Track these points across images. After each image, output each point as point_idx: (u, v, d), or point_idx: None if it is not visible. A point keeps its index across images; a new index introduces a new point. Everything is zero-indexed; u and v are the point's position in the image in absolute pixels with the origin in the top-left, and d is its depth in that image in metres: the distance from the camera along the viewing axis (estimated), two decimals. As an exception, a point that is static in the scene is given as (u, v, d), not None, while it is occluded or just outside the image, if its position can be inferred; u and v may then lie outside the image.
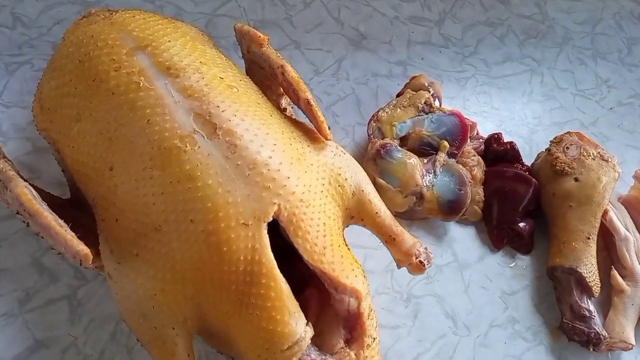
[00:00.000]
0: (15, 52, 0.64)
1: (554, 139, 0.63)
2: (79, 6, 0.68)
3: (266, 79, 0.54)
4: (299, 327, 0.41)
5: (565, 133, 0.63)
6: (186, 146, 0.40)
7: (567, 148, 0.61)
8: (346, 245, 0.47)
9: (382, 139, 0.61)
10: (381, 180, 0.59)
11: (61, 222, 0.40)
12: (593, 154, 0.60)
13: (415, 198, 0.59)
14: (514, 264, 0.61)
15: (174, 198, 0.40)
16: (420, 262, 0.49)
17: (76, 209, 0.50)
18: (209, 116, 0.42)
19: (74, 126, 0.45)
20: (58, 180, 0.56)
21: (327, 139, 0.48)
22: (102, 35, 0.46)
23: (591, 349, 0.55)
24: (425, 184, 0.59)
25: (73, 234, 0.40)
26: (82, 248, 0.39)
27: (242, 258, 0.40)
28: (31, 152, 0.58)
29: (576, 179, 0.59)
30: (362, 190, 0.49)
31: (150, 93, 0.42)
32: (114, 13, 0.50)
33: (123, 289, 0.42)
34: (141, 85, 0.42)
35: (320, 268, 0.43)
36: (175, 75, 0.43)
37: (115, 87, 0.43)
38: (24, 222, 0.47)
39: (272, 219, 0.41)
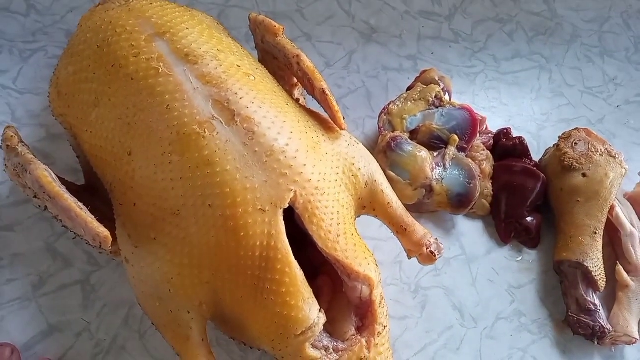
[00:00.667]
0: (29, 39, 0.64)
1: (563, 134, 0.63)
2: (92, -6, 0.69)
3: (279, 69, 0.55)
4: (313, 313, 0.42)
5: (573, 129, 0.64)
6: (205, 132, 0.41)
7: (576, 144, 0.62)
8: (358, 234, 0.47)
9: (393, 132, 0.62)
10: (391, 173, 0.59)
11: (81, 204, 0.41)
12: (601, 150, 0.61)
13: (424, 191, 0.59)
14: (521, 258, 0.61)
15: (192, 183, 0.40)
16: (431, 252, 0.50)
17: (91, 195, 0.50)
18: (227, 103, 0.42)
19: (92, 111, 0.45)
20: (72, 167, 0.56)
21: (341, 129, 0.48)
22: (121, 21, 0.47)
23: (596, 343, 0.56)
24: (434, 177, 0.60)
25: (92, 216, 0.40)
26: (102, 230, 0.39)
27: (258, 243, 0.40)
28: (45, 138, 0.59)
29: (584, 175, 0.60)
30: (375, 181, 0.49)
31: (170, 79, 0.43)
32: (130, 1, 0.50)
33: (140, 273, 0.43)
34: (160, 71, 0.43)
35: (334, 255, 0.44)
36: (193, 62, 0.44)
37: (134, 72, 0.43)
38: (39, 206, 0.48)
39: (288, 205, 0.42)
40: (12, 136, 0.45)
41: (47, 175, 0.41)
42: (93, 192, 0.51)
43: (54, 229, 0.54)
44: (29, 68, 0.62)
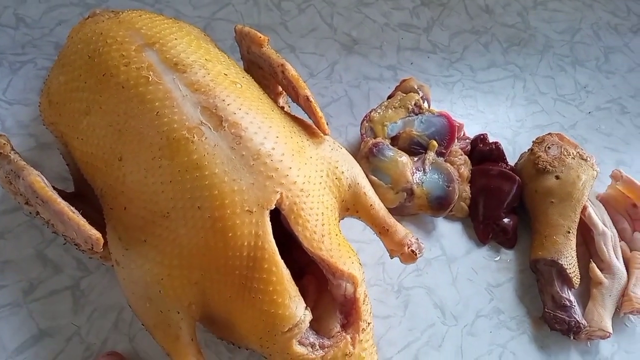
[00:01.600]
0: (19, 52, 0.66)
1: (536, 139, 0.66)
2: (80, 8, 0.70)
3: (264, 78, 0.57)
4: (299, 311, 0.44)
5: (546, 134, 0.67)
6: (194, 137, 0.42)
7: (549, 148, 0.65)
8: (342, 235, 0.49)
9: (375, 138, 0.64)
10: (373, 177, 0.61)
11: (72, 208, 0.42)
12: (573, 153, 0.64)
13: (405, 194, 0.62)
14: (498, 257, 0.64)
15: (182, 186, 0.42)
16: (412, 251, 0.52)
17: (80, 202, 0.51)
18: (215, 109, 0.44)
19: (83, 119, 0.47)
20: (61, 175, 0.57)
21: (325, 134, 0.50)
22: (111, 32, 0.48)
23: (572, 337, 0.58)
24: (415, 181, 0.62)
25: (84, 220, 0.41)
26: (94, 232, 0.41)
27: (246, 244, 0.42)
28: (34, 147, 0.60)
29: (557, 177, 0.63)
30: (358, 184, 0.51)
31: (159, 87, 0.44)
32: (119, 13, 0.52)
33: (130, 275, 0.44)
34: (150, 79, 0.45)
35: (319, 255, 0.45)
36: (182, 71, 0.45)
37: (125, 81, 0.45)
38: (30, 213, 0.49)
39: (274, 207, 0.43)
40: (4, 144, 0.46)
41: (39, 181, 0.42)
42: (82, 199, 0.52)
43: (43, 236, 0.55)
44: (19, 79, 0.64)
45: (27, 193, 0.43)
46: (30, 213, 0.49)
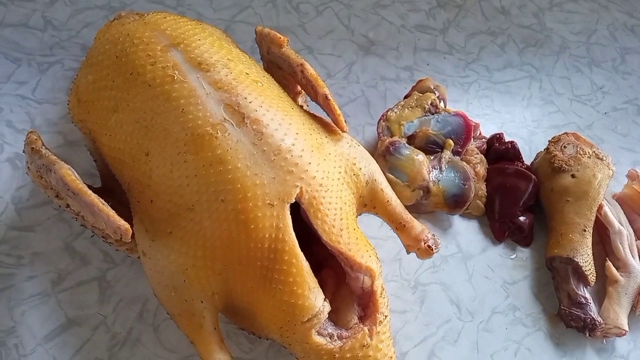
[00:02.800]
0: (47, 53, 0.68)
1: (552, 138, 0.67)
2: (106, 11, 0.73)
3: (284, 78, 0.58)
4: (318, 301, 0.45)
5: (562, 133, 0.67)
6: (217, 133, 0.44)
7: (565, 147, 0.65)
8: (360, 230, 0.50)
9: (391, 137, 0.65)
10: (390, 175, 0.63)
11: (102, 200, 0.44)
12: (589, 152, 0.64)
13: (422, 192, 0.63)
14: (514, 255, 0.64)
15: (206, 180, 0.43)
16: (429, 246, 0.53)
17: (107, 197, 0.53)
18: (237, 106, 0.46)
19: (111, 116, 0.49)
20: (88, 171, 0.59)
21: (343, 131, 0.51)
22: (138, 33, 0.50)
23: (587, 334, 0.59)
24: (431, 179, 0.63)
25: (113, 211, 0.43)
26: (124, 223, 0.42)
27: (267, 236, 0.43)
28: (63, 144, 0.62)
29: (573, 176, 0.63)
30: (375, 180, 0.53)
31: (184, 85, 0.46)
32: (144, 15, 0.54)
33: (156, 265, 0.45)
34: (175, 78, 0.46)
35: (338, 248, 0.47)
36: (206, 70, 0.47)
37: (151, 79, 0.47)
38: (59, 206, 0.51)
39: (294, 200, 0.45)
40: (35, 139, 0.48)
41: (70, 174, 0.44)
42: (109, 193, 0.54)
43: (72, 229, 0.57)
44: (47, 79, 0.66)
45: (58, 186, 0.45)
46: (59, 206, 0.51)
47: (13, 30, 0.69)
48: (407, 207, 0.62)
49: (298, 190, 0.45)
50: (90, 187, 0.53)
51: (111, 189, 0.54)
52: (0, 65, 0.66)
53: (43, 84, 0.66)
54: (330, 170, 0.48)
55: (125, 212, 0.49)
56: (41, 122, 0.63)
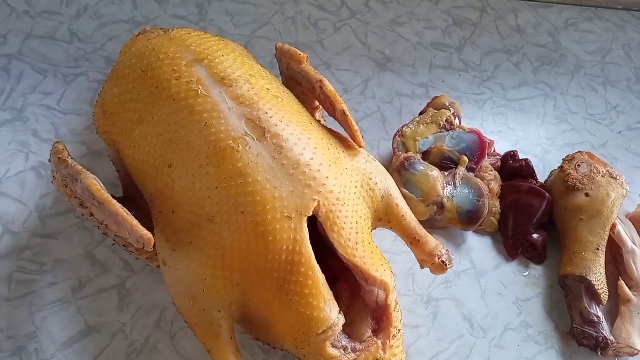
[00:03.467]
0: (72, 65, 0.70)
1: (567, 157, 0.67)
2: (130, 25, 0.75)
3: (302, 94, 0.59)
4: (333, 314, 0.46)
5: (577, 152, 0.68)
6: (239, 147, 0.45)
7: (579, 166, 0.66)
8: (375, 244, 0.51)
9: (406, 153, 0.66)
10: (405, 190, 0.63)
11: (126, 210, 0.45)
12: (603, 171, 0.65)
13: (436, 208, 0.63)
14: (527, 273, 0.65)
15: (227, 192, 0.45)
16: (443, 262, 0.53)
17: (129, 207, 0.55)
18: (258, 121, 0.47)
19: (136, 128, 0.50)
20: (111, 181, 0.61)
21: (360, 146, 0.52)
22: (163, 48, 0.52)
23: (599, 353, 0.59)
24: (446, 195, 0.64)
25: (137, 221, 0.45)
26: (146, 233, 0.44)
27: (284, 248, 0.44)
28: (86, 155, 0.64)
29: (587, 194, 0.64)
30: (391, 195, 0.54)
31: (208, 100, 0.47)
32: (169, 31, 0.56)
33: (176, 274, 0.47)
34: (199, 92, 0.48)
35: (353, 261, 0.47)
36: (229, 85, 0.49)
37: (176, 94, 0.48)
38: (82, 215, 0.53)
39: (312, 214, 0.46)
40: (62, 149, 0.50)
41: (96, 184, 0.46)
42: (131, 203, 0.55)
43: (93, 238, 0.58)
44: (72, 91, 0.68)
45: (83, 195, 0.47)
46: (82, 215, 0.53)
47: (40, 42, 0.71)
48: (421, 222, 0.63)
49: (316, 204, 0.46)
50: (112, 196, 0.55)
51: (133, 198, 0.55)
52: (27, 77, 0.68)
53: (68, 95, 0.68)
54: (347, 184, 0.49)
55: (146, 222, 0.50)
56: (66, 132, 0.65)
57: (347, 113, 0.52)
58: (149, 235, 0.44)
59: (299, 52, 0.56)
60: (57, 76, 0.69)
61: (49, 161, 0.51)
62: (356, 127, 0.52)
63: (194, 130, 0.47)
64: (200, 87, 0.48)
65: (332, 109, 0.54)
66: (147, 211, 0.52)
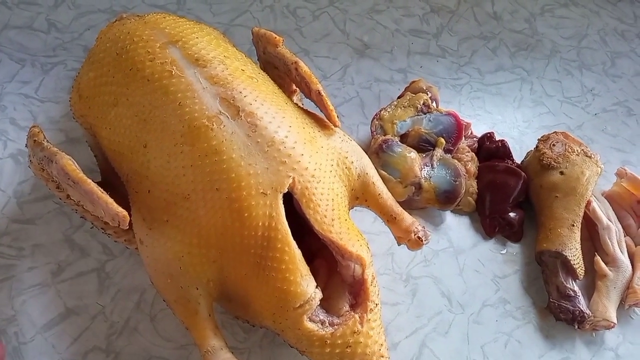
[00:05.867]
0: (50, 54, 0.70)
1: (542, 137, 0.69)
2: (108, 15, 0.75)
3: (279, 78, 0.60)
4: (310, 288, 0.46)
5: (552, 132, 0.69)
6: (213, 125, 0.46)
7: (554, 145, 0.67)
8: (352, 221, 0.52)
9: (384, 136, 0.67)
10: (383, 172, 0.64)
11: (101, 189, 0.45)
12: (577, 150, 0.66)
13: (414, 188, 0.64)
14: (505, 250, 0.66)
15: (201, 170, 0.45)
16: (419, 237, 0.54)
17: (106, 190, 0.55)
18: (232, 100, 0.47)
19: (111, 110, 0.51)
20: (89, 167, 0.61)
21: (336, 126, 0.53)
22: (138, 31, 0.52)
23: (576, 327, 0.60)
24: (423, 176, 0.64)
25: (112, 199, 0.45)
26: (121, 210, 0.44)
27: (260, 224, 0.45)
28: (64, 141, 0.64)
29: (561, 173, 0.65)
30: (367, 174, 0.54)
31: (182, 80, 0.48)
32: (145, 16, 0.56)
33: (153, 252, 0.47)
34: (173, 73, 0.48)
35: (329, 237, 0.48)
36: (203, 66, 0.49)
37: (150, 74, 0.49)
38: (60, 199, 0.53)
39: (287, 190, 0.46)
40: (38, 132, 0.50)
41: (71, 164, 0.46)
42: (108, 187, 0.55)
43: (71, 222, 0.59)
44: (50, 79, 0.68)
45: (59, 176, 0.47)
46: (60, 199, 0.53)
47: (18, 32, 0.71)
48: (399, 203, 0.64)
49: (290, 180, 0.46)
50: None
51: (111, 183, 0.55)
52: (5, 66, 0.68)
53: (46, 83, 0.68)
54: (323, 162, 0.50)
55: (124, 204, 0.50)
56: (43, 119, 0.65)
57: (322, 93, 0.53)
58: (124, 212, 0.44)
59: (274, 35, 0.56)
60: (35, 65, 0.69)
61: (26, 146, 0.51)
62: (331, 107, 0.53)
63: (168, 110, 0.47)
64: (174, 67, 0.49)
65: (307, 90, 0.54)
66: (124, 194, 0.52)
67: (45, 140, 0.50)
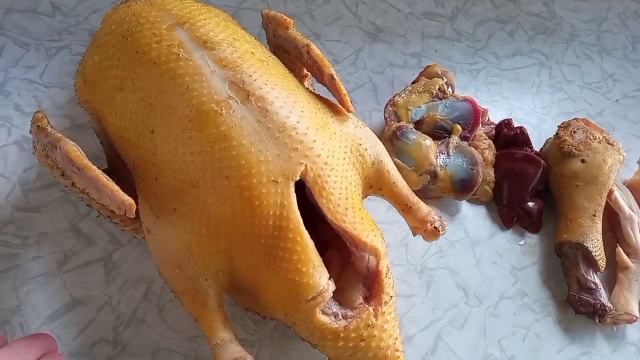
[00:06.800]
0: (55, 38, 0.68)
1: (562, 123, 0.66)
2: (114, -3, 0.73)
3: (290, 62, 0.58)
4: (322, 280, 0.44)
5: (572, 119, 0.66)
6: (222, 110, 0.44)
7: (574, 132, 0.64)
8: (366, 210, 0.50)
9: (398, 122, 0.65)
10: (397, 160, 0.62)
11: (107, 176, 0.44)
12: (599, 137, 0.63)
13: (429, 177, 0.62)
14: (523, 241, 0.64)
15: (210, 156, 0.43)
16: (435, 228, 0.52)
17: (112, 177, 0.54)
18: (242, 84, 0.45)
19: (116, 95, 0.49)
20: (95, 154, 0.59)
21: (349, 111, 0.51)
22: (144, 13, 0.50)
23: (597, 321, 0.58)
24: (438, 164, 0.62)
25: (118, 187, 0.43)
26: (127, 198, 0.42)
27: (271, 213, 0.43)
28: (70, 128, 0.62)
29: (583, 160, 0.62)
30: (381, 161, 0.52)
31: (189, 63, 0.46)
32: (150, -2, 0.54)
33: (161, 242, 0.45)
34: (180, 56, 0.46)
35: (343, 227, 0.46)
36: (211, 48, 0.47)
37: (156, 57, 0.47)
38: (65, 186, 0.51)
39: (299, 178, 0.44)
40: (41, 117, 0.48)
41: (75, 150, 0.44)
42: (115, 175, 0.54)
43: (78, 210, 0.57)
44: (55, 64, 0.66)
45: (63, 163, 0.45)
46: (65, 186, 0.51)
47: (21, 15, 0.69)
48: (414, 192, 0.62)
49: (303, 168, 0.44)
50: (97, 168, 0.54)
51: (117, 170, 0.54)
52: (9, 50, 0.66)
53: (51, 68, 0.66)
54: (336, 149, 0.48)
55: (130, 192, 0.49)
56: (48, 105, 0.63)
57: (335, 77, 0.50)
58: (130, 200, 0.42)
59: (285, 17, 0.54)
60: (40, 49, 0.67)
61: (30, 132, 0.50)
62: (344, 92, 0.51)
63: (175, 94, 0.45)
64: (182, 50, 0.47)
65: (319, 74, 0.52)
66: (131, 182, 0.50)
67: (49, 125, 0.48)
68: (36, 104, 0.63)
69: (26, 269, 0.54)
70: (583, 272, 0.59)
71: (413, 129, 0.64)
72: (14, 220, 0.56)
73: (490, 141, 0.66)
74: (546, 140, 0.69)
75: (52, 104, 0.63)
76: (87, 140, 0.60)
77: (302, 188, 0.45)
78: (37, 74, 0.65)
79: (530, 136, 0.68)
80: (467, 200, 0.65)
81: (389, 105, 0.67)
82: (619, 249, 0.61)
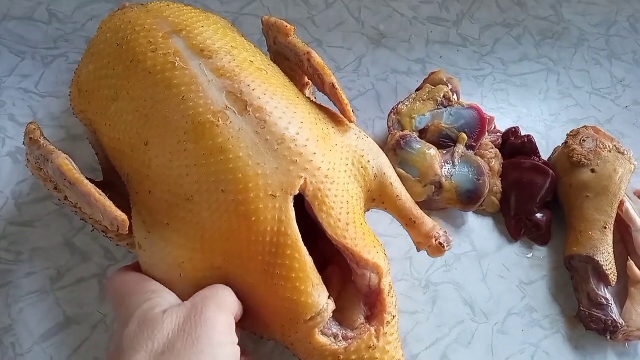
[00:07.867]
0: (51, 46, 0.67)
1: (571, 132, 0.64)
2: (111, 4, 0.71)
3: (291, 70, 0.56)
4: (322, 299, 0.42)
5: (582, 127, 0.64)
6: (219, 121, 0.42)
7: (584, 141, 0.62)
8: (368, 225, 0.48)
9: (402, 131, 0.63)
10: (401, 170, 0.60)
11: (99, 191, 0.42)
12: (609, 146, 0.61)
13: (434, 188, 0.60)
14: (531, 254, 0.62)
15: (206, 169, 0.41)
16: (440, 244, 0.50)
17: (109, 190, 0.52)
18: (240, 94, 0.44)
19: (111, 105, 0.47)
20: (91, 166, 0.58)
21: (351, 121, 0.49)
22: (140, 20, 0.49)
23: (608, 338, 0.56)
24: (444, 174, 0.60)
25: (111, 202, 0.41)
26: (120, 214, 0.40)
27: (269, 229, 0.41)
28: (65, 139, 0.61)
29: (593, 170, 0.60)
30: (384, 174, 0.50)
31: (185, 72, 0.44)
32: (148, 4, 0.52)
33: (152, 258, 0.43)
34: (177, 65, 0.45)
35: (344, 243, 0.44)
36: (208, 57, 0.45)
37: (152, 67, 0.45)
38: (59, 200, 0.50)
39: (298, 192, 0.43)
40: (34, 129, 0.47)
41: (67, 164, 0.43)
42: (111, 187, 0.52)
43: (72, 225, 0.56)
44: (51, 73, 0.65)
45: (55, 176, 0.44)
46: (59, 200, 0.50)
47: (17, 23, 0.68)
48: (418, 203, 0.60)
49: (302, 182, 0.43)
50: (92, 180, 0.52)
51: (113, 182, 0.52)
52: (4, 59, 0.65)
53: (47, 77, 0.65)
54: (337, 161, 0.46)
55: (126, 206, 0.47)
56: (44, 115, 0.62)
57: (337, 86, 0.49)
58: (123, 216, 0.41)
59: (285, 24, 0.53)
60: (35, 58, 0.66)
61: (24, 144, 0.48)
62: (346, 101, 0.49)
63: (170, 104, 0.44)
64: (178, 59, 0.45)
65: (320, 82, 0.51)
66: (127, 195, 0.49)
67: (42, 137, 0.46)
68: (31, 114, 0.61)
69: (19, 285, 0.52)
70: (594, 287, 0.57)
71: (417, 138, 0.62)
72: (7, 235, 0.54)
73: (497, 150, 0.64)
74: (555, 149, 0.67)
75: (47, 114, 0.62)
76: (83, 151, 0.59)
77: (301, 202, 0.44)
78: (32, 83, 0.64)
79: (538, 145, 0.66)
80: (474, 212, 0.63)
81: (392, 114, 0.65)
82: (631, 263, 0.59)
